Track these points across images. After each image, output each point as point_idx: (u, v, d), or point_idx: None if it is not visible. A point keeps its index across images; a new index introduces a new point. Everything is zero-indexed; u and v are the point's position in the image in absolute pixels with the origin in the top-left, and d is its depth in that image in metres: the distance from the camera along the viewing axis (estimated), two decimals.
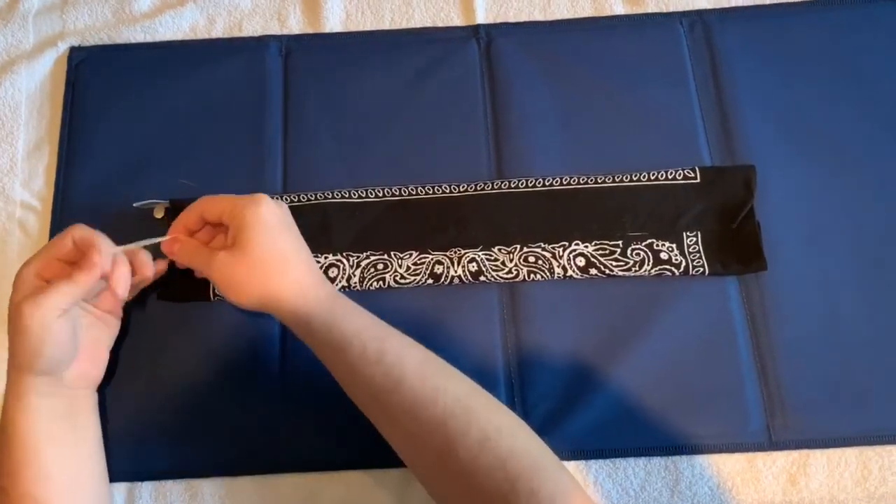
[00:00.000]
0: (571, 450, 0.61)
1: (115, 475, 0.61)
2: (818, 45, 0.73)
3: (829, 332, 0.63)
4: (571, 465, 0.61)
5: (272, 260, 0.56)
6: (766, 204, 0.67)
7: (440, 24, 0.76)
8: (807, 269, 0.65)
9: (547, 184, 0.67)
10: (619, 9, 0.76)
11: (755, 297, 0.65)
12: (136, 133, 0.71)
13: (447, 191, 0.67)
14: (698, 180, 0.66)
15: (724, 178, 0.67)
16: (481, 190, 0.67)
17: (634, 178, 0.66)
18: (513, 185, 0.67)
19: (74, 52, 0.75)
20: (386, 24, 0.76)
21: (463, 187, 0.67)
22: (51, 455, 0.55)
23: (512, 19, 0.76)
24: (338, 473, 0.62)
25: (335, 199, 0.67)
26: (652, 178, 0.67)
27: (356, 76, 0.73)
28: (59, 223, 0.68)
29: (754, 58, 0.73)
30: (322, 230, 0.66)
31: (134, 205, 0.65)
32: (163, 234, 0.60)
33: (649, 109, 0.71)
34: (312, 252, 0.60)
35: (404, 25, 0.76)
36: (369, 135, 0.71)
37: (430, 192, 0.67)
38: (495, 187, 0.67)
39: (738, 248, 0.65)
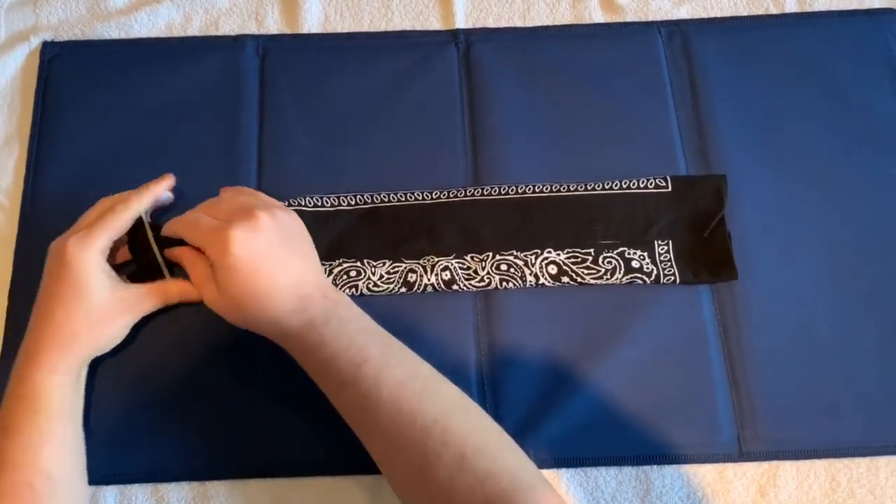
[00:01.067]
0: (543, 458, 0.60)
1: None
2: (795, 58, 0.73)
3: (800, 343, 0.64)
4: (543, 473, 0.60)
5: (246, 298, 0.55)
6: (739, 214, 0.67)
7: (419, 28, 0.76)
8: (779, 281, 0.65)
9: (520, 191, 0.67)
10: (599, 17, 0.76)
11: (728, 307, 0.65)
12: (108, 130, 0.70)
13: (420, 198, 0.66)
14: (670, 189, 0.67)
15: (696, 187, 0.67)
16: (454, 197, 0.66)
17: (607, 187, 0.67)
18: (486, 193, 0.67)
19: (47, 46, 0.74)
20: (365, 27, 0.76)
21: (436, 195, 0.67)
22: (70, 431, 0.56)
23: (491, 24, 0.76)
24: (309, 479, 0.61)
25: (308, 207, 0.66)
26: (624, 186, 0.67)
27: (333, 78, 0.72)
28: (28, 221, 0.67)
29: (731, 68, 0.73)
30: None
31: None
32: None
33: (626, 117, 0.71)
34: None
35: (383, 28, 0.76)
36: (346, 137, 0.70)
37: (403, 199, 0.66)
38: (468, 194, 0.66)
39: (708, 257, 0.65)
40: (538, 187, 0.67)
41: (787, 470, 0.61)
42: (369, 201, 0.66)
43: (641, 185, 0.67)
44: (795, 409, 0.62)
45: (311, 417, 0.61)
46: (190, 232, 0.58)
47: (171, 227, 0.60)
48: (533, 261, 0.64)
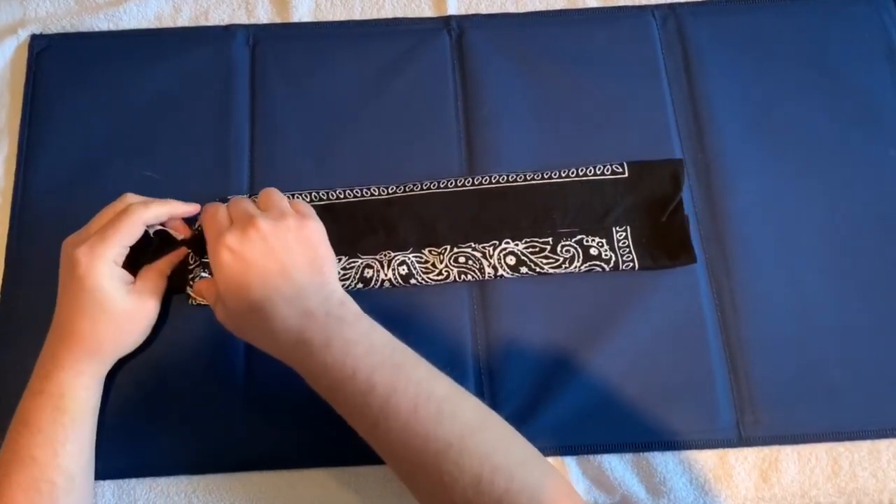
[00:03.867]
0: (543, 445, 0.59)
1: None
2: (790, 40, 0.73)
3: (799, 327, 0.63)
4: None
5: (241, 310, 0.53)
6: (736, 199, 0.67)
7: (411, 15, 0.75)
8: (777, 265, 0.65)
9: (476, 182, 0.66)
10: (592, 1, 0.75)
11: (725, 291, 0.64)
12: (98, 124, 0.70)
13: (376, 193, 0.65)
14: (626, 175, 0.66)
15: (653, 172, 0.66)
16: (410, 191, 0.66)
17: (563, 175, 0.66)
18: (441, 185, 0.66)
19: (35, 40, 0.73)
20: (356, 15, 0.75)
21: (391, 189, 0.66)
22: (89, 432, 0.57)
23: (484, 11, 0.75)
24: (309, 471, 0.61)
25: None
26: (581, 173, 0.66)
27: (325, 67, 0.72)
28: (18, 216, 0.67)
29: (726, 51, 0.72)
30: None
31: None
32: None
33: (621, 103, 0.70)
34: None
35: (374, 16, 0.75)
36: (338, 127, 0.70)
37: (359, 195, 0.65)
38: (424, 188, 0.66)
39: (667, 241, 0.65)
40: (494, 178, 0.66)
41: (789, 454, 0.60)
42: (324, 198, 0.65)
43: (598, 172, 0.66)
44: (795, 393, 0.61)
45: (310, 410, 0.60)
46: (204, 225, 0.57)
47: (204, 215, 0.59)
48: (491, 252, 0.64)
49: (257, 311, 0.52)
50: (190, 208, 0.62)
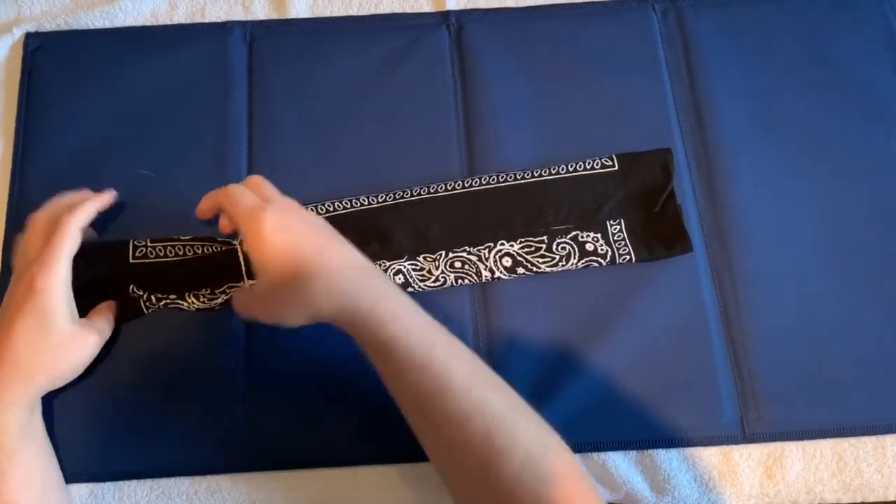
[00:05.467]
0: None
1: (76, 476, 0.59)
2: (793, 32, 0.72)
3: (802, 322, 0.63)
4: None
5: (289, 277, 0.51)
6: (738, 193, 0.67)
7: (409, 10, 0.74)
8: (780, 259, 0.65)
9: (466, 185, 0.65)
10: None
11: (727, 286, 0.64)
12: (94, 122, 0.69)
13: (365, 203, 0.64)
14: (616, 168, 0.66)
15: (642, 163, 0.66)
16: (400, 198, 0.65)
17: (553, 172, 0.65)
18: (432, 190, 0.65)
19: (30, 38, 0.72)
20: (354, 10, 0.74)
21: (381, 197, 0.65)
22: (32, 453, 0.55)
23: (483, 5, 0.74)
24: (312, 471, 0.60)
25: None
26: (571, 169, 0.66)
27: (323, 63, 0.71)
28: (15, 215, 0.66)
29: (728, 45, 0.72)
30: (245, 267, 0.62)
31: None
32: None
33: (622, 97, 0.70)
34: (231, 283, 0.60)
35: (372, 11, 0.74)
36: (336, 124, 0.69)
37: (348, 206, 0.64)
38: (414, 194, 0.65)
39: (661, 232, 0.64)
40: (484, 179, 0.65)
41: (793, 451, 0.60)
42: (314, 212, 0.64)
43: (588, 167, 0.66)
44: (799, 389, 0.61)
45: (311, 411, 0.61)
46: (230, 205, 0.55)
47: (212, 198, 0.58)
48: (486, 255, 0.63)
49: (309, 272, 0.51)
50: (107, 196, 0.62)
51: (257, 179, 0.58)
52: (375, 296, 0.51)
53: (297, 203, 0.56)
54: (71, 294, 0.56)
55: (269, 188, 0.58)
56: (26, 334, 0.54)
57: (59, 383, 0.57)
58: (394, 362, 0.51)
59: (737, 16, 0.73)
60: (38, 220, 0.59)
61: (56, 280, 0.55)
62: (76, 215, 0.58)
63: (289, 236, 0.52)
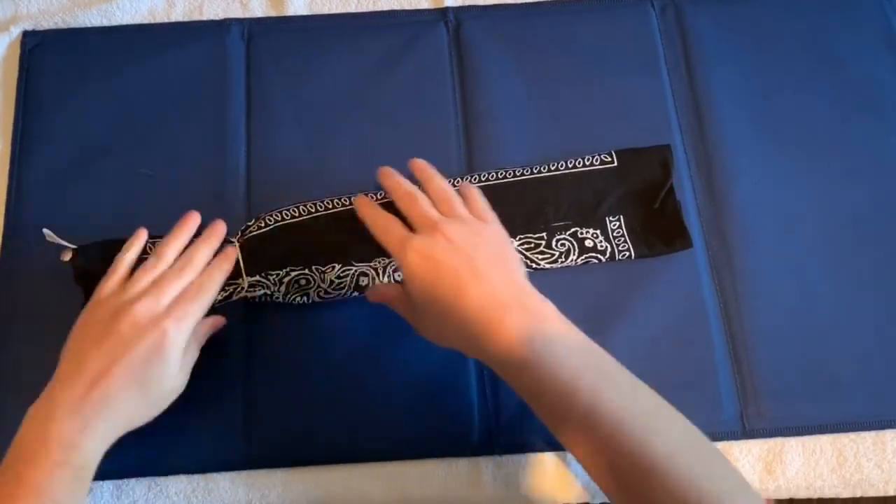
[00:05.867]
0: (544, 442, 0.60)
1: None
2: (792, 28, 0.72)
3: (801, 318, 0.63)
4: (549, 456, 0.60)
5: (430, 309, 0.53)
6: (738, 189, 0.66)
7: (407, 7, 0.74)
8: (780, 256, 0.65)
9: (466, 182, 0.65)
10: None
11: (727, 283, 0.64)
12: (93, 120, 0.69)
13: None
14: (616, 164, 0.65)
15: (641, 159, 0.66)
16: None
17: (552, 168, 0.65)
18: None
19: (28, 36, 0.72)
20: (352, 7, 0.74)
21: (381, 194, 0.64)
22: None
23: (481, 2, 0.74)
24: (312, 468, 0.60)
25: (253, 231, 0.62)
26: (570, 166, 0.65)
27: (321, 61, 0.71)
28: (12, 213, 0.66)
29: (727, 41, 0.72)
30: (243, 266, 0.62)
31: (43, 230, 0.61)
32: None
33: (621, 94, 0.70)
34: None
35: (371, 8, 0.74)
36: (335, 121, 0.69)
37: (347, 203, 0.64)
38: None
39: (661, 228, 0.64)
40: (484, 176, 0.65)
41: (793, 446, 0.60)
42: (313, 210, 0.63)
43: (588, 163, 0.65)
44: (798, 384, 0.61)
45: (310, 409, 0.61)
46: (380, 234, 0.57)
47: (363, 211, 0.59)
48: None
49: (447, 310, 0.52)
50: (232, 254, 0.60)
51: (441, 186, 0.59)
52: (508, 336, 0.50)
53: (476, 224, 0.56)
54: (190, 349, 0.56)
55: (454, 201, 0.58)
56: (139, 384, 0.52)
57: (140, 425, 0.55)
58: (533, 405, 0.51)
59: (736, 12, 0.73)
60: (169, 250, 0.59)
61: (184, 336, 0.54)
62: (216, 280, 0.58)
63: (430, 265, 0.53)
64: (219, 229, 0.61)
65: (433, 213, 0.56)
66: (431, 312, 0.53)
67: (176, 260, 0.58)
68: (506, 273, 0.53)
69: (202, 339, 0.58)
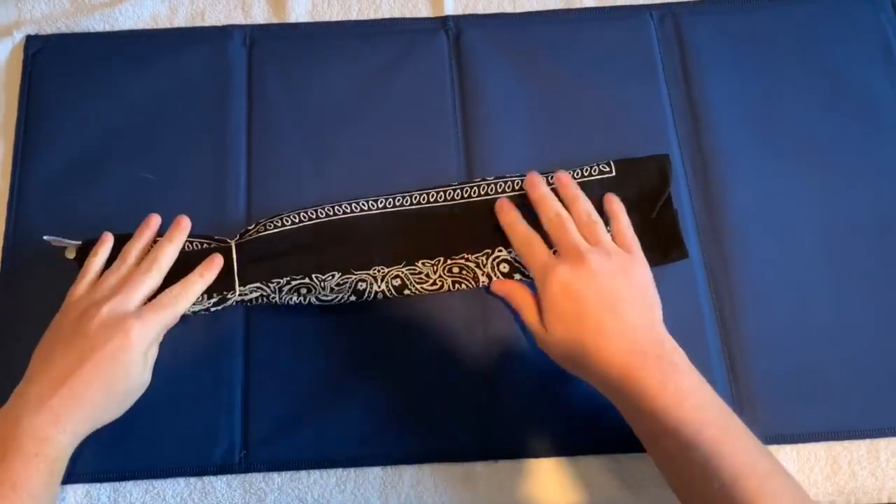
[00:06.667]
0: (539, 448, 0.60)
1: (72, 477, 0.59)
2: (788, 38, 0.73)
3: (797, 325, 0.63)
4: (549, 462, 0.61)
5: (570, 340, 0.55)
6: (734, 198, 0.67)
7: (408, 15, 0.75)
8: (775, 264, 0.65)
9: (465, 195, 0.65)
10: (589, 1, 0.75)
11: (724, 290, 0.64)
12: (94, 125, 0.69)
13: (366, 207, 0.64)
14: (614, 174, 0.65)
15: (639, 168, 0.66)
16: (401, 205, 0.64)
17: (551, 180, 0.64)
18: (432, 199, 0.65)
19: (31, 41, 0.73)
20: (353, 15, 0.75)
21: (381, 202, 0.64)
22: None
23: (481, 11, 0.75)
24: (306, 472, 0.60)
25: (252, 235, 0.62)
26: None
27: (322, 67, 0.72)
28: (14, 217, 0.66)
29: (724, 50, 0.72)
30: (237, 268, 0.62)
31: (44, 237, 0.61)
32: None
33: (619, 102, 0.70)
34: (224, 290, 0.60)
35: (372, 16, 0.75)
36: (336, 128, 0.69)
37: (348, 210, 0.64)
38: (414, 202, 0.65)
39: (658, 237, 0.64)
40: (482, 188, 0.65)
41: (788, 453, 0.60)
42: (314, 216, 0.63)
43: (586, 174, 0.65)
44: (793, 392, 0.61)
45: (307, 414, 0.61)
46: (523, 250, 0.60)
47: (504, 219, 0.61)
48: (484, 261, 0.63)
49: (586, 345, 0.53)
50: (216, 263, 0.60)
51: (587, 210, 0.60)
52: (641, 382, 0.51)
53: (621, 257, 0.58)
54: (155, 351, 0.58)
55: (599, 227, 0.59)
56: (104, 380, 0.53)
57: (108, 422, 0.56)
58: (648, 444, 0.53)
59: (733, 22, 0.74)
60: (133, 252, 0.60)
61: (150, 338, 0.55)
62: (194, 290, 0.58)
63: (571, 300, 0.55)
64: (182, 225, 0.61)
65: (580, 241, 0.58)
66: (566, 343, 0.55)
67: (141, 260, 0.59)
68: (647, 318, 0.55)
69: (160, 337, 0.59)
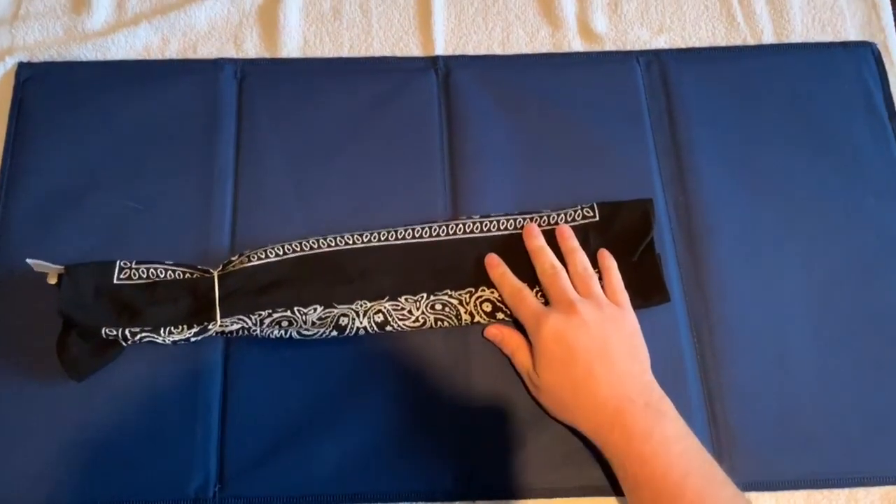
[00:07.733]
0: (523, 488, 0.60)
1: None
2: (772, 88, 0.74)
3: (778, 373, 0.63)
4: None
5: (558, 387, 0.57)
6: (716, 242, 0.67)
7: (399, 54, 0.76)
8: (757, 310, 0.65)
9: (451, 232, 0.66)
10: (578, 45, 0.76)
11: (705, 336, 0.64)
12: (84, 153, 0.69)
13: (350, 242, 0.64)
14: (597, 218, 0.66)
15: (623, 212, 0.66)
16: (385, 240, 0.65)
17: (536, 222, 0.65)
18: (417, 235, 0.65)
19: (22, 67, 0.73)
20: (345, 52, 0.76)
21: (366, 237, 0.65)
22: None
23: (471, 52, 0.76)
24: None
25: (235, 266, 0.62)
26: (552, 221, 0.66)
27: (312, 103, 0.72)
28: (1, 242, 0.66)
29: (709, 98, 0.73)
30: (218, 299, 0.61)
31: (27, 261, 0.60)
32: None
33: (605, 146, 0.71)
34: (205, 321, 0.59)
35: (363, 53, 0.76)
36: (324, 162, 0.70)
37: (332, 244, 0.64)
38: (399, 237, 0.65)
39: (639, 282, 0.64)
40: (468, 227, 0.66)
41: (766, 501, 0.60)
42: (298, 249, 0.64)
43: (570, 219, 0.66)
44: (773, 440, 0.61)
45: (291, 446, 0.60)
46: (513, 302, 0.61)
47: (493, 273, 0.63)
48: (467, 300, 0.63)
49: (577, 389, 0.56)
50: None
51: (583, 263, 0.63)
52: (629, 431, 0.53)
53: (611, 308, 0.60)
54: None
55: (592, 281, 0.62)
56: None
57: None
58: (634, 493, 0.53)
59: (718, 70, 0.75)
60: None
61: None
62: None
63: (562, 347, 0.57)
64: None
65: (572, 292, 0.60)
66: (556, 389, 0.57)
67: None
68: (635, 364, 0.58)
69: None
